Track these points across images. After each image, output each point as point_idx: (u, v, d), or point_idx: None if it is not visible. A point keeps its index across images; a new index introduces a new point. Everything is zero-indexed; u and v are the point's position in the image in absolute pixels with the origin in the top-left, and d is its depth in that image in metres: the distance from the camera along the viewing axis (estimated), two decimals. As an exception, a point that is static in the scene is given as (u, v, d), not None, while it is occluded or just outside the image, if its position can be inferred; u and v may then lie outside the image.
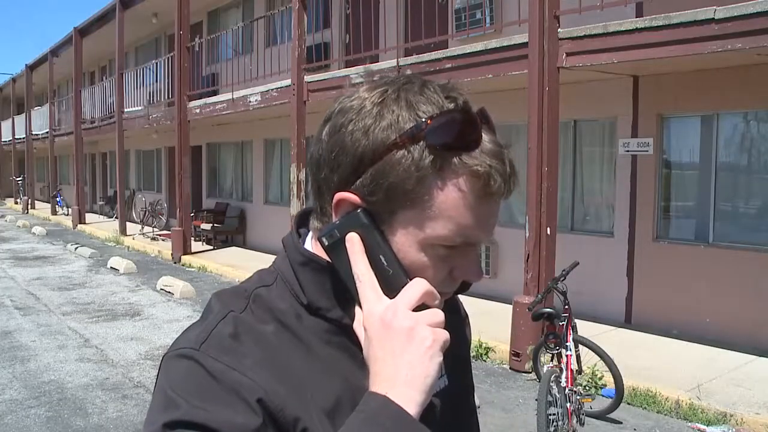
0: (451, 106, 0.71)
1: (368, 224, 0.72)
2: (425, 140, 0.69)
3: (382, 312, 0.70)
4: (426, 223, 0.72)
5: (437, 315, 0.71)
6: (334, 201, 0.74)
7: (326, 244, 0.75)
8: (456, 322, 0.96)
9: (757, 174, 7.01)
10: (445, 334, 0.70)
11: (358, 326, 0.74)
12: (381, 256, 0.73)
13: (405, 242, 0.73)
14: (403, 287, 0.71)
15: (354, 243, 0.72)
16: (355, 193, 0.72)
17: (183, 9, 13.56)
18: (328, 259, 0.77)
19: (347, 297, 0.75)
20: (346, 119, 0.72)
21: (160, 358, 0.77)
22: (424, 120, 0.69)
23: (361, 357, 0.73)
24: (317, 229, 0.79)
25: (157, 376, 0.76)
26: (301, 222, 0.86)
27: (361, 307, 0.73)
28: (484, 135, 0.72)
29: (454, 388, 0.91)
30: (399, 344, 0.68)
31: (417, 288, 0.71)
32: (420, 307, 0.71)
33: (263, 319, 0.77)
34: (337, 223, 0.74)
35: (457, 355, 0.92)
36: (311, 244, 0.81)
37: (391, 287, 0.72)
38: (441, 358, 0.69)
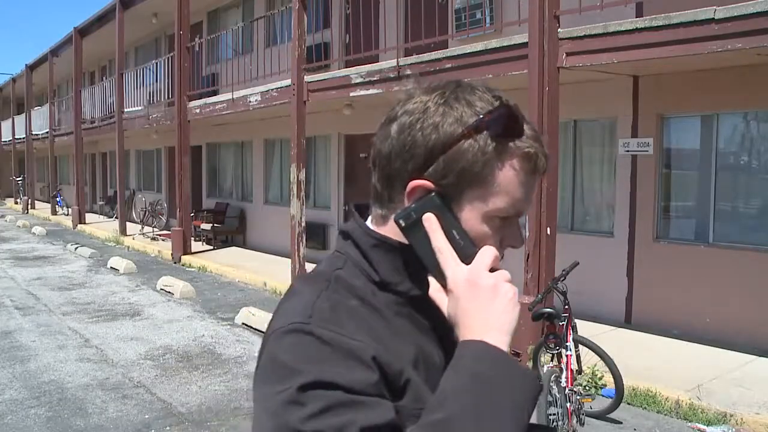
0: (497, 103, 0.86)
1: (441, 205, 0.86)
2: (488, 130, 0.84)
3: (467, 274, 0.83)
4: (489, 199, 0.86)
5: (507, 274, 0.86)
6: (409, 187, 0.86)
7: (403, 225, 0.86)
8: None
9: (757, 174, 7.01)
10: (516, 289, 0.86)
11: (435, 293, 0.86)
12: (453, 231, 0.86)
13: (471, 217, 0.87)
14: (473, 255, 0.85)
15: (431, 221, 0.85)
16: (428, 179, 0.85)
17: (183, 9, 13.56)
18: (397, 239, 0.89)
19: (413, 272, 0.89)
20: (414, 118, 0.85)
21: (266, 337, 0.85)
22: (483, 114, 0.84)
23: (426, 325, 0.90)
24: (381, 216, 0.92)
25: (264, 355, 0.84)
26: (360, 212, 0.98)
27: (437, 277, 0.86)
28: (526, 124, 0.87)
29: None
30: (487, 298, 0.82)
31: (489, 253, 0.85)
32: (491, 270, 0.85)
33: (346, 296, 0.87)
34: (413, 206, 0.86)
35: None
36: (375, 229, 0.94)
37: (463, 256, 0.85)
38: (519, 309, 0.84)
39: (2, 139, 35.70)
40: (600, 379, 5.52)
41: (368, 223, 0.94)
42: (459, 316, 0.83)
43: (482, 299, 0.82)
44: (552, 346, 4.66)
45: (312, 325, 0.80)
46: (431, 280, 0.87)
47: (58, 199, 25.71)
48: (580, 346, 4.95)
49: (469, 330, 0.81)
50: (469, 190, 0.85)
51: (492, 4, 9.00)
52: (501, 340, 0.80)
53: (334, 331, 0.80)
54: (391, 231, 0.89)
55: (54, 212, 25.11)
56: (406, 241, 0.88)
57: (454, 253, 0.85)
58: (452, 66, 7.38)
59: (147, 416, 5.06)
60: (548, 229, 6.35)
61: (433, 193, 0.85)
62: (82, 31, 20.64)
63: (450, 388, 0.77)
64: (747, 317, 6.64)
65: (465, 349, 0.80)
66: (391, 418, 0.76)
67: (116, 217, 19.25)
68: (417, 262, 0.87)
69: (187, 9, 13.73)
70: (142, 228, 17.77)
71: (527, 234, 6.41)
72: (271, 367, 0.81)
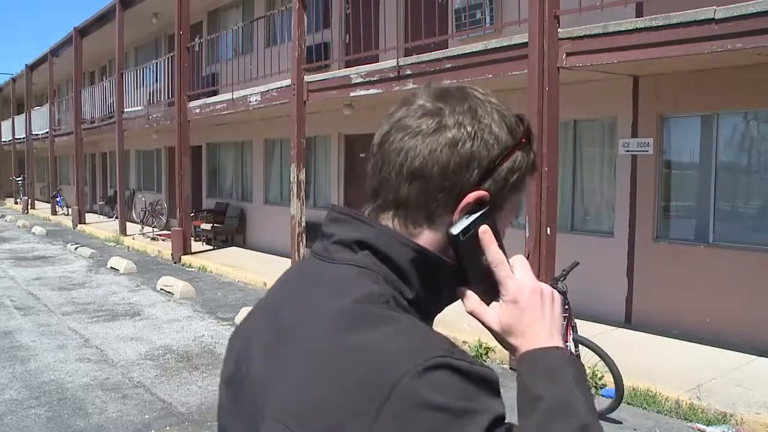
0: (515, 113, 0.89)
1: (492, 217, 0.85)
2: (528, 143, 0.86)
3: (533, 284, 0.85)
4: (520, 203, 0.89)
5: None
6: (470, 198, 0.82)
7: (462, 238, 0.83)
8: None
9: (757, 174, 7.01)
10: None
11: (478, 306, 0.86)
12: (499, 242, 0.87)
13: (508, 216, 0.88)
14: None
15: (488, 234, 0.83)
16: (486, 191, 0.83)
17: (183, 9, 13.57)
18: (434, 253, 0.84)
19: (444, 288, 0.86)
20: (469, 131, 0.82)
21: (398, 376, 0.68)
22: (522, 129, 0.86)
23: None
24: (410, 232, 0.84)
25: (402, 392, 0.69)
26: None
27: (480, 290, 0.85)
28: None
29: None
30: (549, 308, 0.85)
31: (525, 262, 0.87)
32: None
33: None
34: (472, 218, 0.83)
35: None
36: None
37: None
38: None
39: (2, 139, 35.70)
40: (600, 379, 5.52)
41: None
42: (525, 326, 0.83)
43: (547, 307, 0.85)
44: (552, 346, 4.66)
45: (448, 358, 0.71)
46: (469, 294, 0.86)
47: (58, 199, 25.71)
48: (580, 346, 4.95)
49: (540, 337, 0.83)
50: (512, 197, 0.86)
51: (492, 4, 9.00)
52: (561, 342, 0.85)
53: (466, 360, 0.73)
54: (426, 243, 0.83)
55: (54, 212, 25.11)
56: (440, 255, 0.84)
57: (508, 264, 0.85)
58: (452, 66, 7.37)
59: (147, 416, 5.06)
60: (548, 229, 6.35)
61: (488, 207, 0.83)
62: (82, 31, 20.64)
63: (569, 395, 0.78)
64: (747, 317, 6.64)
65: (551, 356, 0.82)
66: None
67: (116, 217, 19.25)
68: (450, 277, 0.85)
69: (187, 9, 13.73)
70: (142, 228, 17.77)
71: (527, 234, 6.40)
72: (434, 408, 0.68)
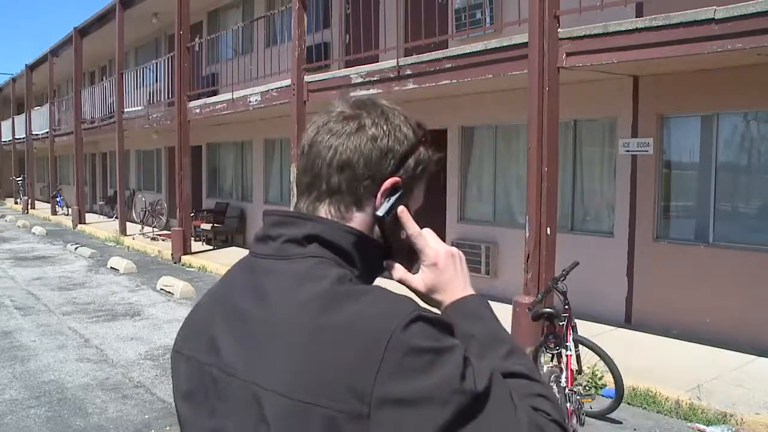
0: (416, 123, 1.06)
1: (405, 200, 1.01)
2: (427, 143, 1.04)
3: (445, 248, 1.04)
4: (422, 191, 1.05)
5: None
6: (387, 184, 0.98)
7: (387, 217, 0.99)
8: None
9: (757, 174, 7.01)
10: None
11: (404, 274, 1.03)
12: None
13: (414, 205, 1.04)
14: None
15: (405, 212, 1.01)
16: (400, 177, 0.99)
17: (183, 9, 13.57)
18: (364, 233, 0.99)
19: (377, 262, 1.01)
20: (386, 129, 0.99)
21: (389, 334, 0.83)
22: (422, 131, 1.04)
23: None
24: (339, 213, 0.98)
25: (400, 350, 0.83)
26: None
27: (404, 261, 1.03)
28: None
29: None
30: (459, 265, 1.04)
31: (432, 232, 1.05)
32: None
33: None
34: (391, 200, 0.99)
35: None
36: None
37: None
38: None
39: (2, 139, 35.70)
40: (600, 379, 5.52)
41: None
42: (445, 283, 1.02)
43: (458, 266, 1.04)
44: (552, 346, 4.66)
45: (418, 312, 0.86)
46: (396, 265, 1.03)
47: (58, 199, 25.71)
48: (580, 346, 4.95)
49: (459, 290, 1.02)
50: (420, 182, 1.03)
51: (492, 4, 9.00)
52: (472, 289, 1.05)
53: (430, 313, 0.90)
54: (358, 226, 0.98)
55: (54, 212, 25.10)
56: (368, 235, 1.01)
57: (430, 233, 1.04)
58: (452, 66, 7.38)
59: (147, 416, 5.06)
60: (548, 229, 6.35)
61: (402, 190, 0.99)
62: (82, 31, 20.64)
63: (496, 328, 1.01)
64: (747, 317, 6.63)
65: (471, 302, 1.02)
66: None
67: (116, 217, 19.25)
68: (379, 254, 1.01)
69: (187, 9, 13.73)
70: (142, 228, 17.77)
71: (527, 234, 6.41)
72: (422, 350, 0.83)
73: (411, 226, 1.01)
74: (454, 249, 1.05)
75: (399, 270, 1.02)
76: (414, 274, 1.03)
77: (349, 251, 0.96)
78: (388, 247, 1.01)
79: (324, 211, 0.98)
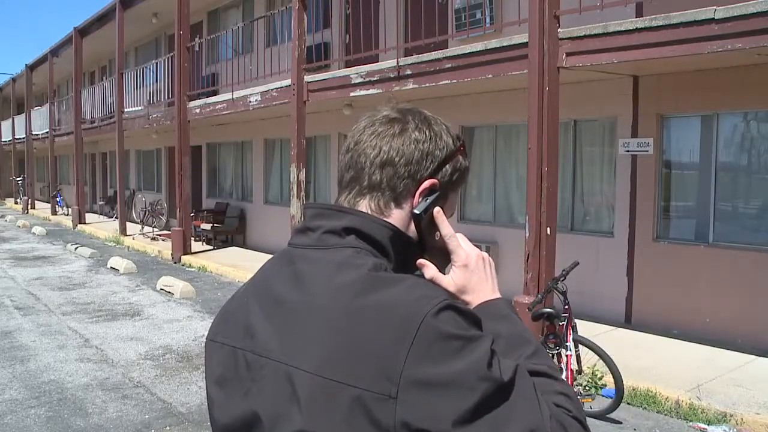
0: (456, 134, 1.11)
1: (440, 204, 1.06)
2: (464, 153, 1.10)
3: (476, 251, 1.08)
4: (456, 198, 1.10)
5: None
6: (426, 185, 1.03)
7: (424, 216, 1.03)
8: None
9: (757, 174, 7.01)
10: None
11: (436, 273, 1.05)
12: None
13: (448, 211, 1.08)
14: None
15: (441, 213, 1.05)
16: (438, 180, 1.04)
17: (183, 9, 13.56)
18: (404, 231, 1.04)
19: (406, 260, 1.03)
20: (429, 135, 1.05)
21: (422, 318, 0.85)
22: (460, 141, 1.09)
23: None
24: (378, 209, 1.03)
25: (433, 333, 0.85)
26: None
27: (436, 260, 1.06)
28: None
29: None
30: (489, 269, 1.08)
31: (464, 236, 1.10)
32: None
33: None
34: (429, 200, 1.04)
35: None
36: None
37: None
38: None
39: (2, 139, 35.69)
40: (600, 379, 5.52)
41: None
42: (474, 284, 1.06)
43: (488, 269, 1.08)
44: (552, 346, 4.66)
45: (451, 302, 0.90)
46: (428, 264, 1.06)
47: (58, 199, 25.71)
48: (580, 346, 4.95)
49: (485, 293, 1.06)
50: (453, 192, 1.08)
51: (492, 4, 9.00)
52: (498, 293, 1.08)
53: (460, 304, 0.95)
54: (395, 222, 1.02)
55: (54, 212, 25.10)
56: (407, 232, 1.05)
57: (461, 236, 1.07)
58: (452, 66, 7.38)
59: (147, 416, 5.06)
60: (548, 229, 6.35)
61: (439, 192, 1.04)
62: (82, 31, 20.64)
63: (522, 329, 1.03)
64: (747, 317, 6.64)
65: (499, 304, 1.05)
66: None
67: (116, 217, 19.25)
68: (414, 251, 1.04)
69: (187, 9, 13.72)
70: (142, 228, 17.77)
71: (527, 234, 6.41)
72: (450, 336, 0.85)
73: (446, 227, 1.06)
74: (485, 254, 1.09)
75: (431, 269, 1.06)
76: (445, 274, 1.07)
77: (384, 244, 1.00)
78: (422, 245, 1.05)
79: (365, 205, 1.02)
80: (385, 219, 1.02)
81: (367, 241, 0.99)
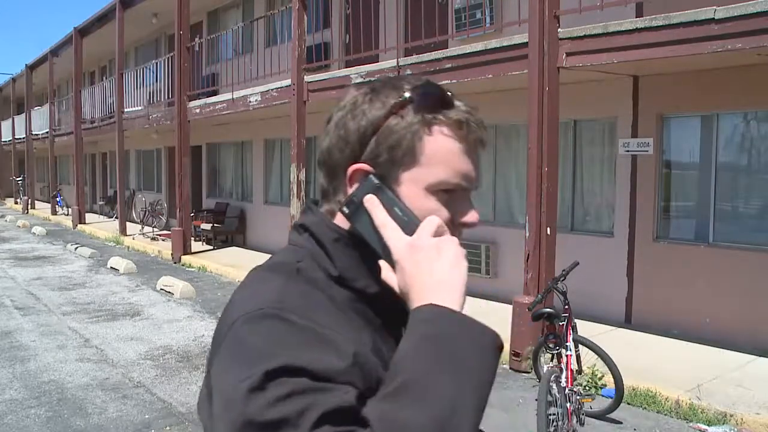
0: (422, 82, 0.90)
1: (380, 185, 0.86)
2: (412, 104, 0.87)
3: (410, 240, 0.83)
4: (425, 171, 0.86)
5: (454, 238, 0.85)
6: (349, 173, 0.88)
7: (347, 211, 0.87)
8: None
9: (757, 174, 7.01)
10: (463, 250, 0.84)
11: (387, 274, 0.85)
12: (395, 208, 0.85)
13: (412, 192, 0.87)
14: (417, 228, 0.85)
15: (372, 201, 0.86)
16: (364, 162, 0.87)
17: (183, 9, 13.56)
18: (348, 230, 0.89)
19: (370, 267, 0.87)
20: (345, 111, 0.90)
21: (227, 324, 0.82)
22: (407, 92, 0.87)
23: (379, 323, 0.89)
24: (330, 210, 0.93)
25: (233, 339, 0.79)
26: (315, 206, 0.99)
27: (387, 258, 0.85)
28: (457, 101, 0.91)
29: None
30: (430, 258, 0.81)
31: (432, 220, 0.84)
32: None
33: (311, 288, 0.87)
34: (354, 191, 0.87)
35: None
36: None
37: (408, 231, 0.84)
38: (467, 265, 0.83)
39: (2, 139, 35.70)
40: (600, 379, 5.53)
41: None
42: (408, 285, 0.81)
43: (426, 260, 0.81)
44: (552, 346, 4.66)
45: (285, 311, 0.78)
46: (383, 264, 0.85)
47: (58, 199, 25.71)
48: (580, 346, 4.95)
49: (418, 295, 0.79)
50: (404, 166, 0.86)
51: (492, 4, 9.00)
52: (451, 298, 0.78)
53: (306, 317, 0.79)
54: (343, 225, 0.90)
55: (54, 212, 25.10)
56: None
57: (396, 226, 0.84)
58: (452, 66, 7.38)
59: (147, 416, 5.06)
60: (548, 229, 6.35)
61: (370, 175, 0.86)
62: (82, 31, 20.64)
63: (402, 355, 0.75)
64: (747, 317, 6.63)
65: (414, 315, 0.78)
66: (356, 403, 0.73)
67: (116, 217, 19.25)
68: (372, 257, 0.87)
69: (187, 9, 13.73)
70: (142, 228, 17.77)
71: (527, 234, 6.41)
72: (237, 351, 0.77)
73: (376, 215, 0.85)
74: (427, 240, 0.82)
75: (383, 270, 0.86)
76: None
77: (329, 248, 0.89)
78: (366, 246, 0.87)
79: (326, 207, 0.95)
80: (333, 221, 0.91)
81: (318, 243, 0.90)
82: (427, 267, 0.80)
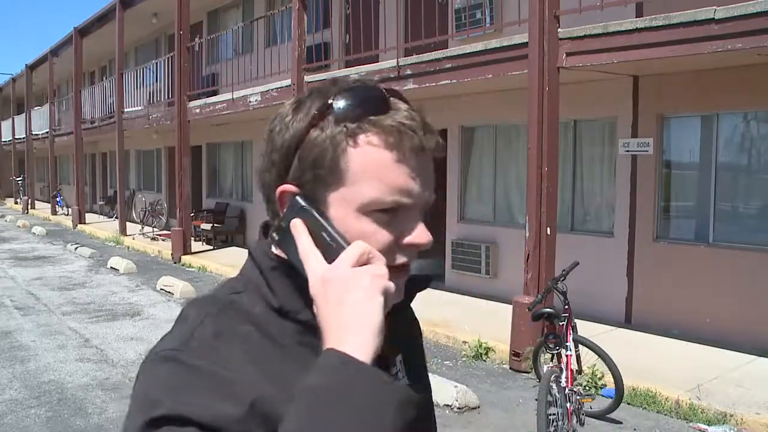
0: (357, 84, 0.79)
1: (306, 207, 0.77)
2: (333, 113, 0.75)
3: (323, 272, 0.73)
4: (354, 189, 0.75)
5: (376, 267, 0.72)
6: (277, 196, 0.79)
7: (276, 238, 0.79)
8: (409, 325, 1.02)
9: (757, 174, 7.01)
10: (385, 281, 0.72)
11: (315, 308, 0.75)
12: (323, 233, 0.76)
13: (342, 213, 0.76)
14: None
15: (296, 226, 0.76)
16: (290, 183, 0.78)
17: (183, 9, 13.56)
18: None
19: (305, 296, 0.76)
20: (273, 125, 0.80)
21: (144, 361, 0.78)
22: (330, 98, 0.76)
23: None
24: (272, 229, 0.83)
25: (136, 381, 0.76)
26: (266, 231, 0.89)
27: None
28: (396, 103, 0.78)
29: (416, 390, 0.92)
30: (339, 294, 0.70)
31: (354, 248, 0.73)
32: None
33: (239, 323, 0.79)
34: (281, 216, 0.79)
35: (415, 357, 0.97)
36: (276, 250, 0.84)
37: (334, 259, 0.74)
38: (382, 299, 0.70)
39: (2, 139, 35.70)
40: (600, 379, 5.53)
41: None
42: (320, 322, 0.72)
43: (335, 296, 0.70)
44: (552, 346, 4.66)
45: (184, 353, 0.73)
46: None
47: (58, 199, 25.71)
48: (580, 346, 4.95)
49: (326, 335, 0.70)
50: (332, 185, 0.76)
51: (492, 4, 9.00)
52: (357, 341, 0.68)
53: (209, 360, 0.73)
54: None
55: (54, 212, 25.10)
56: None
57: (318, 255, 0.75)
58: (452, 66, 7.38)
59: (147, 416, 5.05)
60: (548, 229, 6.35)
61: (296, 196, 0.77)
62: (82, 31, 20.63)
63: (292, 407, 0.67)
64: (747, 317, 6.63)
65: (317, 363, 0.68)
66: None
67: (116, 217, 19.24)
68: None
69: (187, 9, 13.72)
70: (142, 228, 17.76)
71: (527, 234, 6.41)
72: (134, 395, 0.74)
73: (300, 242, 0.76)
74: (340, 272, 0.71)
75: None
76: None
77: (267, 276, 0.81)
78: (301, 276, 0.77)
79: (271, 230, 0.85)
80: (271, 250, 0.83)
81: (261, 272, 0.82)
82: (336, 304, 0.70)
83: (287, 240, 0.77)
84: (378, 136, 0.75)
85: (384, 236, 0.77)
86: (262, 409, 0.71)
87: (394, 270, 0.76)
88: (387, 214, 0.76)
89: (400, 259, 0.79)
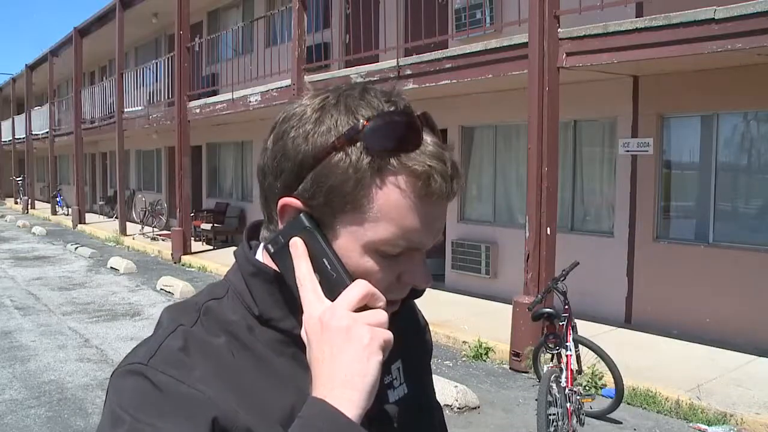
0: (391, 108, 0.72)
1: (311, 228, 0.72)
2: (363, 142, 0.69)
3: (321, 313, 0.69)
4: (368, 226, 0.71)
5: (378, 315, 0.70)
6: (278, 207, 0.74)
7: (272, 251, 0.75)
8: (414, 331, 0.98)
9: (757, 174, 7.01)
10: (385, 334, 0.69)
11: (302, 332, 0.72)
12: (324, 260, 0.72)
13: (348, 246, 0.72)
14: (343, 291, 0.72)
15: (297, 247, 0.72)
16: (297, 198, 0.73)
17: (183, 9, 13.56)
18: (276, 268, 0.77)
19: (298, 306, 0.73)
20: (289, 126, 0.74)
21: (113, 374, 0.76)
22: (361, 122, 0.70)
23: None
24: (266, 238, 0.79)
25: (107, 393, 0.74)
26: (252, 234, 0.86)
27: (301, 314, 0.73)
28: (426, 137, 0.72)
29: (416, 397, 0.91)
30: (336, 344, 0.67)
31: (357, 289, 0.70)
32: (363, 309, 0.70)
33: (214, 332, 0.77)
34: (281, 229, 0.75)
35: (418, 364, 0.95)
36: (262, 255, 0.81)
37: (334, 291, 0.71)
38: (380, 357, 0.68)
39: (2, 139, 35.69)
40: (600, 379, 5.53)
41: (260, 248, 0.82)
42: (311, 364, 0.69)
43: (332, 345, 0.68)
44: (552, 346, 4.66)
45: (149, 368, 0.71)
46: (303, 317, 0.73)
47: (58, 199, 25.70)
48: (580, 346, 4.95)
49: (316, 383, 0.68)
50: (343, 215, 0.71)
51: (492, 4, 9.00)
52: (346, 398, 0.66)
53: (173, 376, 0.71)
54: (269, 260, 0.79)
55: (54, 212, 25.10)
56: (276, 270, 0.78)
57: (317, 287, 0.71)
58: (452, 66, 7.38)
59: (147, 416, 5.05)
60: (548, 229, 6.35)
61: (302, 214, 0.73)
62: (82, 31, 20.64)
63: None
64: (747, 317, 6.63)
65: (305, 410, 0.67)
66: None
67: (116, 217, 19.24)
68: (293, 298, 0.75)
69: (187, 9, 13.73)
70: (142, 228, 17.76)
71: (527, 234, 6.41)
72: (104, 409, 0.72)
73: (298, 266, 0.72)
74: (339, 320, 0.68)
75: (304, 325, 0.73)
76: None
77: (249, 283, 0.78)
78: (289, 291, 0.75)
79: (264, 233, 0.81)
80: (253, 256, 0.80)
81: (242, 277, 0.80)
82: (329, 354, 0.67)
83: (283, 256, 0.74)
84: (405, 179, 0.70)
85: (386, 276, 0.74)
86: (225, 424, 0.70)
87: (389, 303, 0.74)
88: (392, 254, 0.74)
89: (398, 296, 0.77)
